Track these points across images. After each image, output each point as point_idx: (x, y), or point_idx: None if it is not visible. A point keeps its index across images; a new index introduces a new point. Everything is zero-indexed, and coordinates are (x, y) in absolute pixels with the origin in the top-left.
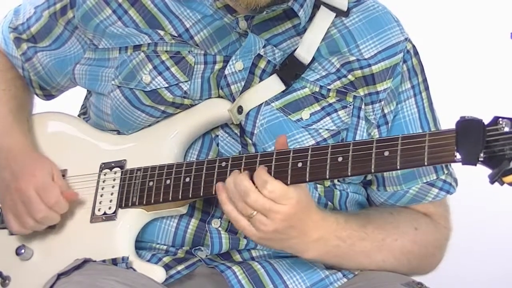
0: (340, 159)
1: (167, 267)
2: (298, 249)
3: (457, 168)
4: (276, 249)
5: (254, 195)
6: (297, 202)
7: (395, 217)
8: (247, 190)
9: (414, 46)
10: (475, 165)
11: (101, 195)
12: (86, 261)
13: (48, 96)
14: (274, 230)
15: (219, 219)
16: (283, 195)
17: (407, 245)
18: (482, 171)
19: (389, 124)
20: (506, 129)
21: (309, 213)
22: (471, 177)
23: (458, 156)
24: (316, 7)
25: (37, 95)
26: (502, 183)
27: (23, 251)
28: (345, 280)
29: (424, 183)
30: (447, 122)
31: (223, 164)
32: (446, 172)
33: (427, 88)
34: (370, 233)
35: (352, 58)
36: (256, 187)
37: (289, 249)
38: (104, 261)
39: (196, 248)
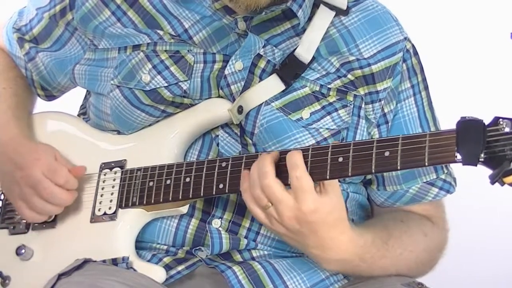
0: (340, 159)
1: (167, 267)
2: (317, 260)
3: (457, 169)
4: (297, 248)
5: (270, 179)
6: (314, 211)
7: (408, 225)
8: (267, 173)
9: (413, 46)
10: (476, 165)
11: (101, 195)
12: (86, 261)
13: (50, 96)
14: (285, 228)
15: (220, 219)
16: (307, 191)
17: (420, 255)
18: (483, 172)
19: (389, 124)
20: (507, 129)
21: (334, 229)
22: (472, 177)
23: (458, 156)
24: (315, 6)
25: (38, 95)
26: (502, 183)
27: (23, 251)
28: (345, 281)
29: (424, 182)
30: (448, 122)
31: (224, 164)
32: (445, 171)
33: (426, 88)
34: (390, 248)
35: (351, 58)
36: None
37: (308, 255)
38: (104, 261)
39: (197, 248)
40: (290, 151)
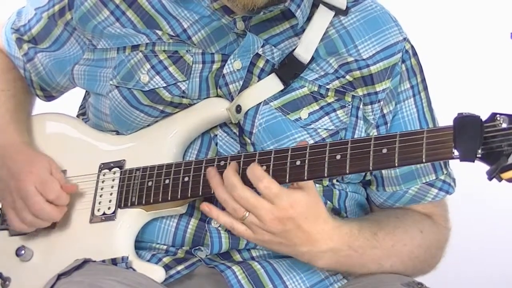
0: (338, 157)
1: (167, 267)
2: (307, 258)
3: (455, 165)
4: (285, 254)
5: (240, 189)
6: (292, 206)
7: (402, 221)
8: (234, 184)
9: (412, 46)
10: (473, 161)
11: (101, 196)
12: (86, 261)
13: (49, 97)
14: (270, 233)
15: None
16: (279, 194)
17: (414, 250)
18: (480, 168)
19: (388, 125)
20: (504, 125)
21: (316, 222)
22: (469, 173)
23: (456, 152)
24: (314, 6)
25: (37, 96)
26: (500, 179)
27: (23, 252)
28: (345, 281)
29: (423, 183)
30: (445, 119)
31: (222, 163)
32: (445, 172)
33: (426, 88)
34: (381, 240)
35: (350, 59)
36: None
37: (299, 257)
38: (104, 261)
39: (196, 248)
40: (287, 149)
